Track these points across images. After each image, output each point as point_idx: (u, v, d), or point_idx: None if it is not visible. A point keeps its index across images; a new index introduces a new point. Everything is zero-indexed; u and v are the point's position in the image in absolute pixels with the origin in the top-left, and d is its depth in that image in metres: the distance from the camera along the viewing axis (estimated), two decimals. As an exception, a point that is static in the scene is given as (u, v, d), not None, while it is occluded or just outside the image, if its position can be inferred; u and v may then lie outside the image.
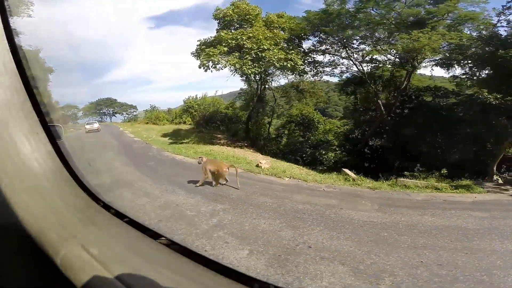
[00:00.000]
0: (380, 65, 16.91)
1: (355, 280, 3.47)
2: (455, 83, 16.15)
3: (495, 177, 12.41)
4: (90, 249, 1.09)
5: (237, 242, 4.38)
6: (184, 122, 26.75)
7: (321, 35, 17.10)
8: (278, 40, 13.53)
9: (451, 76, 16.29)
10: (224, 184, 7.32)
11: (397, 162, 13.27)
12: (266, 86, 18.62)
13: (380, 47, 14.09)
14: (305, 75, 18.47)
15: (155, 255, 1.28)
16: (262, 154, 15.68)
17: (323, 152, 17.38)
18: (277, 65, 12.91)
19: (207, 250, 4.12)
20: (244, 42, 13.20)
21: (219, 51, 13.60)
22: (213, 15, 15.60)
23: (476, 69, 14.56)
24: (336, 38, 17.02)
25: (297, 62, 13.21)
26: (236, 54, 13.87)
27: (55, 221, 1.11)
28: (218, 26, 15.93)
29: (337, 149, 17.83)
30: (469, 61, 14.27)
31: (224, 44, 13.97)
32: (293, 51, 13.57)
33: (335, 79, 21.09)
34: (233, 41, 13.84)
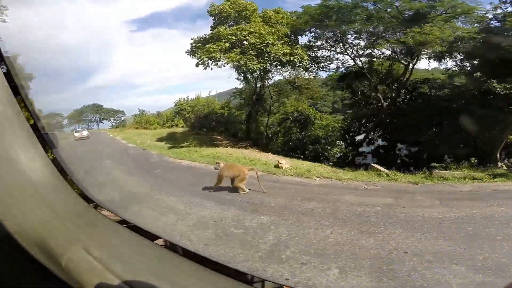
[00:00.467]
0: (378, 59, 16.63)
1: (484, 277, 3.01)
2: (447, 74, 16.28)
3: (499, 164, 12.48)
4: (92, 252, 1.10)
5: (317, 260, 3.55)
6: (177, 125, 25.24)
7: (317, 30, 16.54)
8: (281, 35, 12.72)
9: (443, 68, 16.38)
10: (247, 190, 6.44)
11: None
12: (264, 83, 17.76)
13: (384, 41, 13.70)
14: (303, 71, 17.83)
15: (155, 256, 1.31)
16: (266, 153, 14.83)
17: (329, 148, 16.85)
18: (284, 60, 12.09)
19: (289, 279, 3.22)
20: (247, 37, 12.24)
21: (219, 47, 12.54)
22: (208, 12, 14.49)
23: (468, 61, 14.69)
24: (332, 33, 16.54)
25: (303, 57, 12.48)
26: (238, 50, 12.88)
27: (57, 227, 1.13)
28: (213, 22, 14.83)
29: (341, 143, 17.38)
30: (462, 54, 14.33)
31: (224, 40, 12.93)
32: (298, 46, 12.84)
33: (323, 75, 20.66)
34: (233, 37, 12.85)
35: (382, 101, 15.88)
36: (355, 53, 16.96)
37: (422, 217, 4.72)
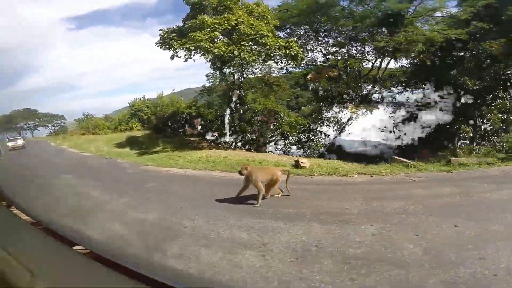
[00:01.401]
0: (348, 57, 17.16)
1: None
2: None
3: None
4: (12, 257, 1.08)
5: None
6: (131, 128, 21.28)
7: (292, 26, 16.11)
8: (271, 27, 11.58)
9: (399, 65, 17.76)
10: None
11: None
12: (241, 79, 16.38)
13: (371, 39, 14.01)
14: (274, 67, 17.21)
15: (74, 264, 1.23)
16: (261, 153, 13.63)
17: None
18: (280, 52, 11.02)
19: None
20: (239, 27, 10.68)
21: (207, 36, 10.62)
22: (185, 0, 12.16)
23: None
24: (305, 30, 16.37)
25: (298, 51, 11.64)
26: (225, 40, 11.19)
27: None
28: (190, 12, 12.56)
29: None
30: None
31: (209, 29, 11.03)
32: (291, 39, 11.93)
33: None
34: (219, 27, 11.09)
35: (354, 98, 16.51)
36: (327, 50, 17.16)
37: (506, 200, 4.58)
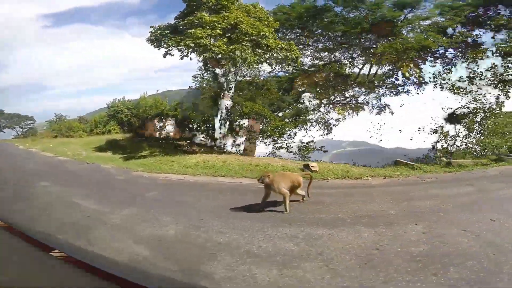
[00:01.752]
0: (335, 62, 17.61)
1: None
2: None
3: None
4: None
5: None
6: (109, 131, 19.62)
7: (284, 30, 16.22)
8: (272, 29, 11.43)
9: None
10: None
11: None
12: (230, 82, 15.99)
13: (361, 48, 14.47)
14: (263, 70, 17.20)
15: (49, 269, 1.24)
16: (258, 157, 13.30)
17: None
18: (281, 55, 10.88)
19: None
20: (241, 26, 10.36)
21: (207, 33, 10.15)
22: None
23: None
24: (297, 34, 16.58)
25: (299, 54, 11.61)
26: (224, 39, 10.78)
27: None
28: (185, 9, 11.94)
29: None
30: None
31: (208, 27, 10.56)
32: (291, 41, 11.86)
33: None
34: (219, 25, 10.68)
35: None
36: (316, 55, 17.48)
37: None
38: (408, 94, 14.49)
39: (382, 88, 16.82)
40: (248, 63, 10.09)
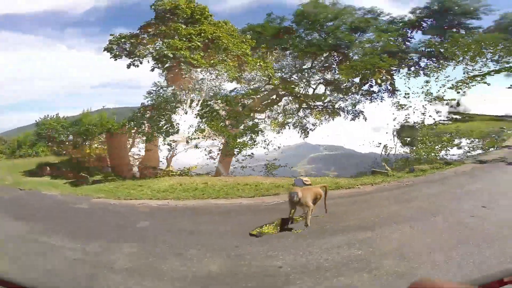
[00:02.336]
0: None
1: None
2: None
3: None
4: None
5: None
6: (36, 153, 15.90)
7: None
8: (249, 46, 11.68)
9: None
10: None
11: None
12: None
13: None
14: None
15: None
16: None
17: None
18: (259, 73, 11.17)
19: None
20: (221, 40, 10.28)
21: (185, 45, 9.71)
22: (153, 6, 10.75)
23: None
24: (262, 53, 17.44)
25: (273, 73, 12.09)
26: (201, 53, 10.48)
27: None
28: (154, 19, 11.17)
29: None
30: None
31: (184, 39, 10.13)
32: (267, 60, 12.29)
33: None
34: (195, 38, 10.41)
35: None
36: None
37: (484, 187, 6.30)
38: (382, 101, 16.17)
39: (358, 95, 18.44)
40: (230, 78, 9.98)
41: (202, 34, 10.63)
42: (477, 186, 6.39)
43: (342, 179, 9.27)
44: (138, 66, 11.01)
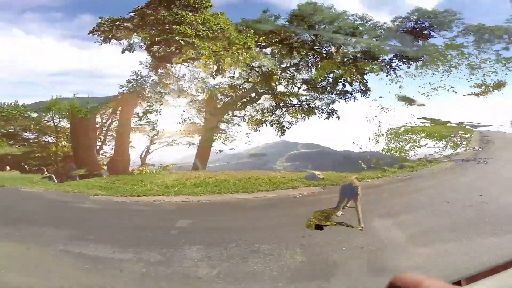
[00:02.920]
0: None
1: None
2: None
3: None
4: None
5: None
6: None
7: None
8: (253, 41, 11.56)
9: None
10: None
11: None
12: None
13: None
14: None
15: None
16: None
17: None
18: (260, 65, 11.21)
19: None
20: (230, 33, 10.04)
21: (198, 33, 9.29)
22: None
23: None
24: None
25: (274, 68, 12.22)
26: (206, 44, 10.10)
27: None
28: (149, 4, 10.27)
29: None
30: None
31: (190, 27, 9.65)
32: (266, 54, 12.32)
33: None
34: (201, 26, 10.01)
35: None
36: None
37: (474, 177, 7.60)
38: (355, 101, 17.36)
39: (333, 94, 19.36)
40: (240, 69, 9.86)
41: (207, 24, 10.25)
42: (468, 179, 7.61)
43: (345, 173, 10.03)
44: (134, 50, 10.17)
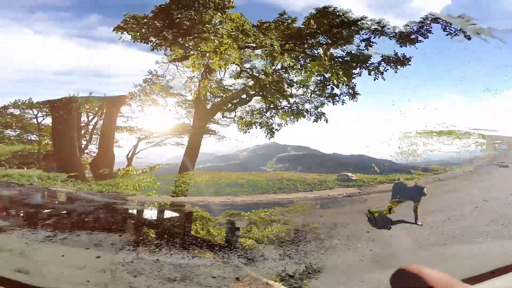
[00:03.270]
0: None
1: None
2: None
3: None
4: None
5: None
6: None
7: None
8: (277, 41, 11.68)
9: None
10: None
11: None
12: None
13: None
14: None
15: None
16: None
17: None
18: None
19: None
20: (258, 35, 10.13)
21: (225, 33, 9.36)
22: None
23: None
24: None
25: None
26: (235, 45, 10.18)
27: None
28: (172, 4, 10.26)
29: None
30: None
31: (221, 27, 9.72)
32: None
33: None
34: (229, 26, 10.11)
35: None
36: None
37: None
38: (343, 104, 17.64)
39: (322, 97, 19.57)
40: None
41: (233, 25, 10.31)
42: (497, 181, 7.93)
43: (368, 175, 10.37)
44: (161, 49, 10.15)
